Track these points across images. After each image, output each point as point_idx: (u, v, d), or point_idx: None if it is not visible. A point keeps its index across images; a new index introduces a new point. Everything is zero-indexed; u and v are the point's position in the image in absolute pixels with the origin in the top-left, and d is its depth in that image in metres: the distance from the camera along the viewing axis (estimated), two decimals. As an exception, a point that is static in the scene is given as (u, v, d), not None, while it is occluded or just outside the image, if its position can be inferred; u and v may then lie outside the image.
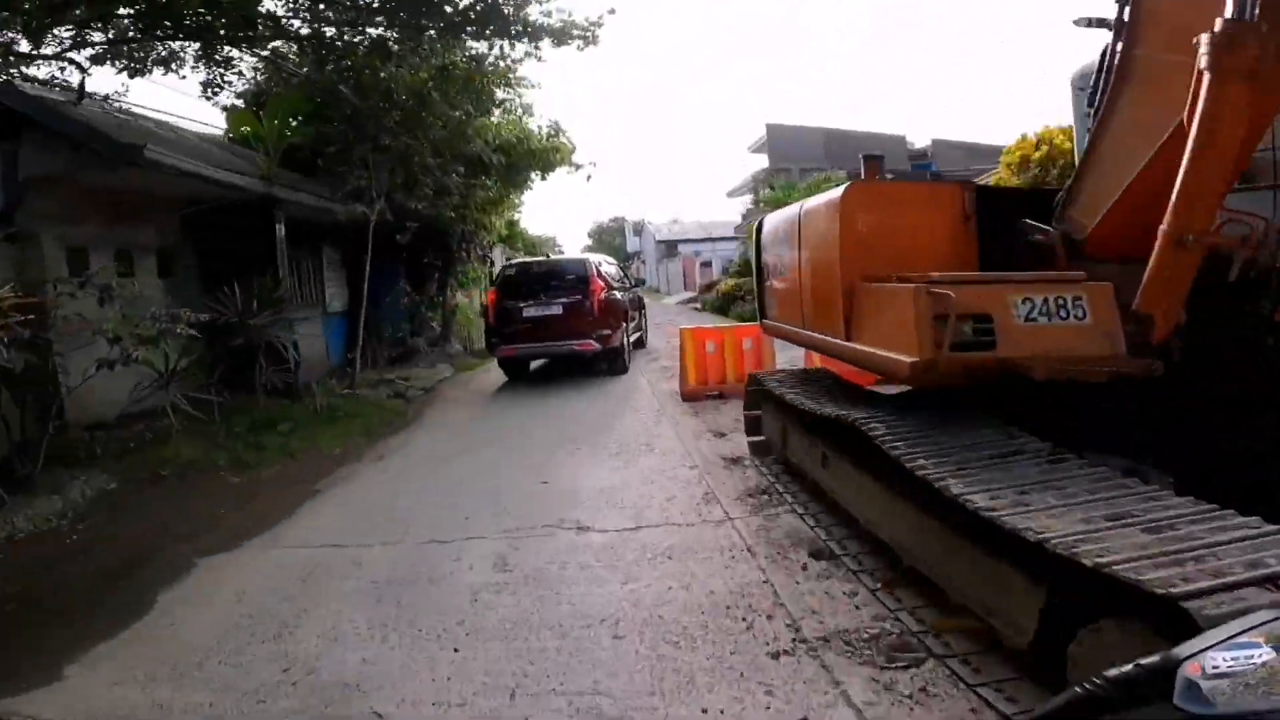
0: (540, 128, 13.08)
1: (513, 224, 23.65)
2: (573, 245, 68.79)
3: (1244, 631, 0.71)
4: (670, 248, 42.65)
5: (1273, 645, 0.66)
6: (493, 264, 31.29)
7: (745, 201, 33.88)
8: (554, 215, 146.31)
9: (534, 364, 10.73)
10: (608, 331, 9.45)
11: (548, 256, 14.81)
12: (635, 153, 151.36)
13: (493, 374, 11.33)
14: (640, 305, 13.03)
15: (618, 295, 10.39)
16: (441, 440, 6.82)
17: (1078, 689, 0.67)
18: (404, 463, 6.06)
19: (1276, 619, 0.73)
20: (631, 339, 10.80)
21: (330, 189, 8.79)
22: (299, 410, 7.26)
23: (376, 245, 9.51)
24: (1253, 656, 0.66)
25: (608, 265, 11.64)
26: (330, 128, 9.15)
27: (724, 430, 6.24)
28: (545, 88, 44.64)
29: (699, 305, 23.41)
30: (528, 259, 13.64)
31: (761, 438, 5.27)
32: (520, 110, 12.80)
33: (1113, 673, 0.65)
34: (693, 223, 47.10)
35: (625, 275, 13.68)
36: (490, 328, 9.83)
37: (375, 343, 9.99)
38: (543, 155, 12.97)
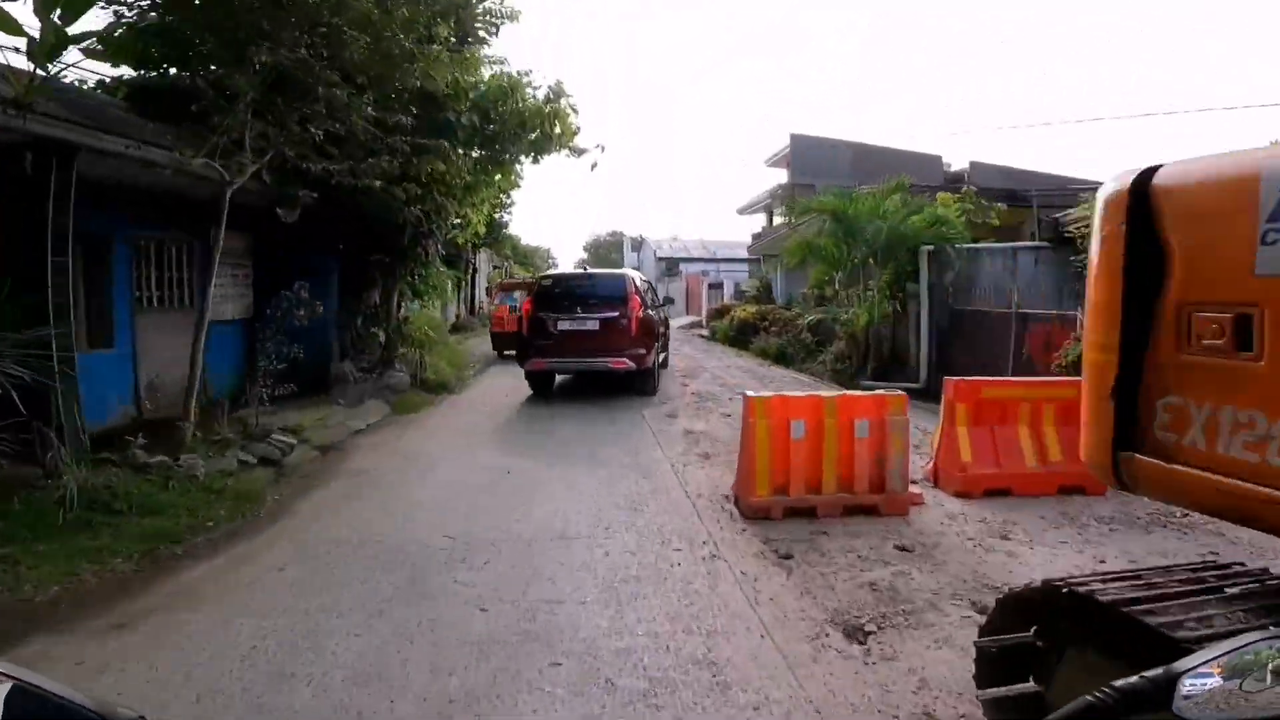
0: (533, 87, 9.73)
1: (497, 223, 20.43)
2: (567, 259, 65.83)
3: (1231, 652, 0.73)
4: (671, 266, 39.54)
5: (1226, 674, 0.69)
6: (474, 269, 28.05)
7: (758, 221, 30.90)
8: (548, 226, 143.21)
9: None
10: (643, 350, 9.10)
11: (585, 269, 13.85)
12: (633, 162, 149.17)
13: (448, 417, 8.05)
14: (665, 324, 12.13)
15: (652, 314, 10.00)
16: (268, 612, 3.19)
17: (1087, 698, 0.67)
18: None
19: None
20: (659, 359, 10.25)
21: (195, 141, 5.48)
22: (36, 504, 3.87)
23: (299, 234, 7.39)
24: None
25: (641, 281, 10.84)
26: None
27: (864, 621, 3.00)
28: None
29: (708, 332, 20.25)
30: (566, 271, 13.32)
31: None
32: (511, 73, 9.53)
33: (1120, 683, 0.67)
34: (695, 240, 44.11)
35: (654, 292, 12.53)
36: (522, 339, 9.49)
37: (265, 368, 6.59)
38: (536, 121, 9.59)
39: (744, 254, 29.36)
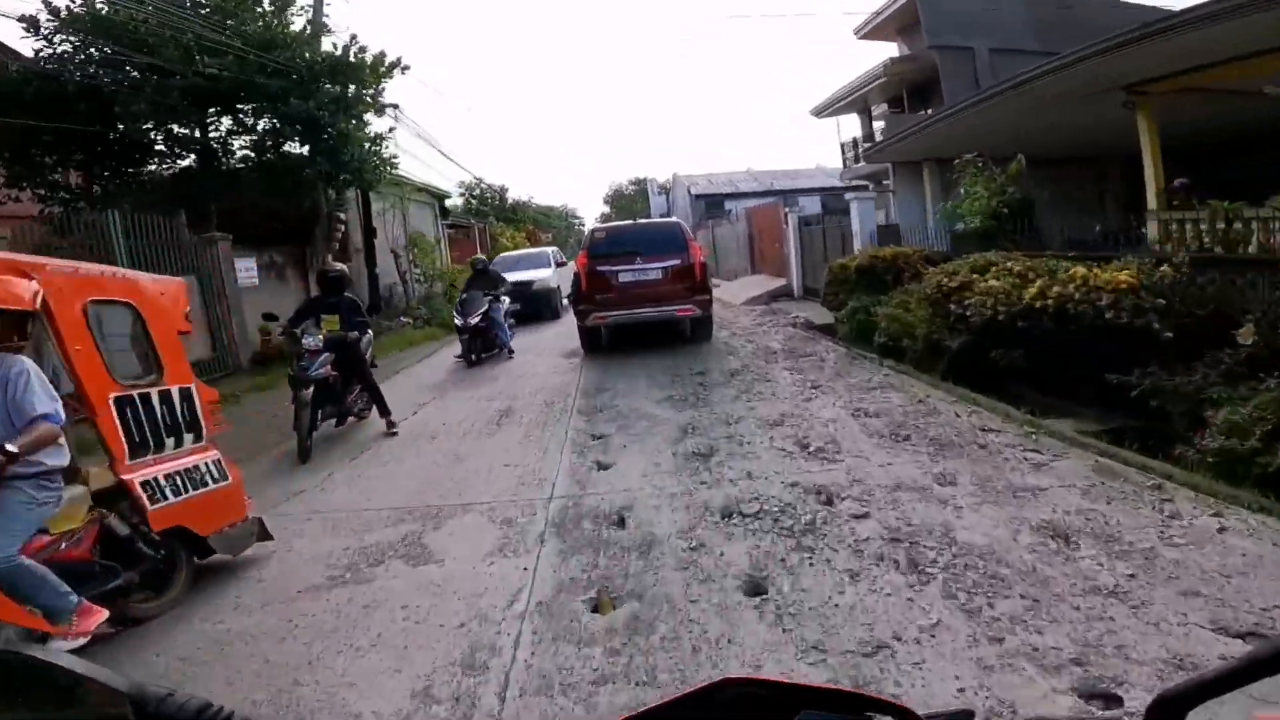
0: None
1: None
2: (589, 214, 59.43)
3: None
4: (713, 205, 32.40)
5: None
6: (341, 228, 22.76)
7: (849, 124, 23.55)
8: (565, 185, 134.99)
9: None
10: (706, 296, 9.55)
11: (635, 221, 12.78)
12: (653, 100, 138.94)
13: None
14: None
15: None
16: None
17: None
18: None
19: None
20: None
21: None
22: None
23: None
24: None
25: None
26: None
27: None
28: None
29: (796, 323, 13.59)
30: (617, 223, 13.17)
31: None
32: None
33: None
34: (741, 172, 36.66)
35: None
36: (581, 294, 9.57)
37: None
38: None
39: (824, 181, 22.01)
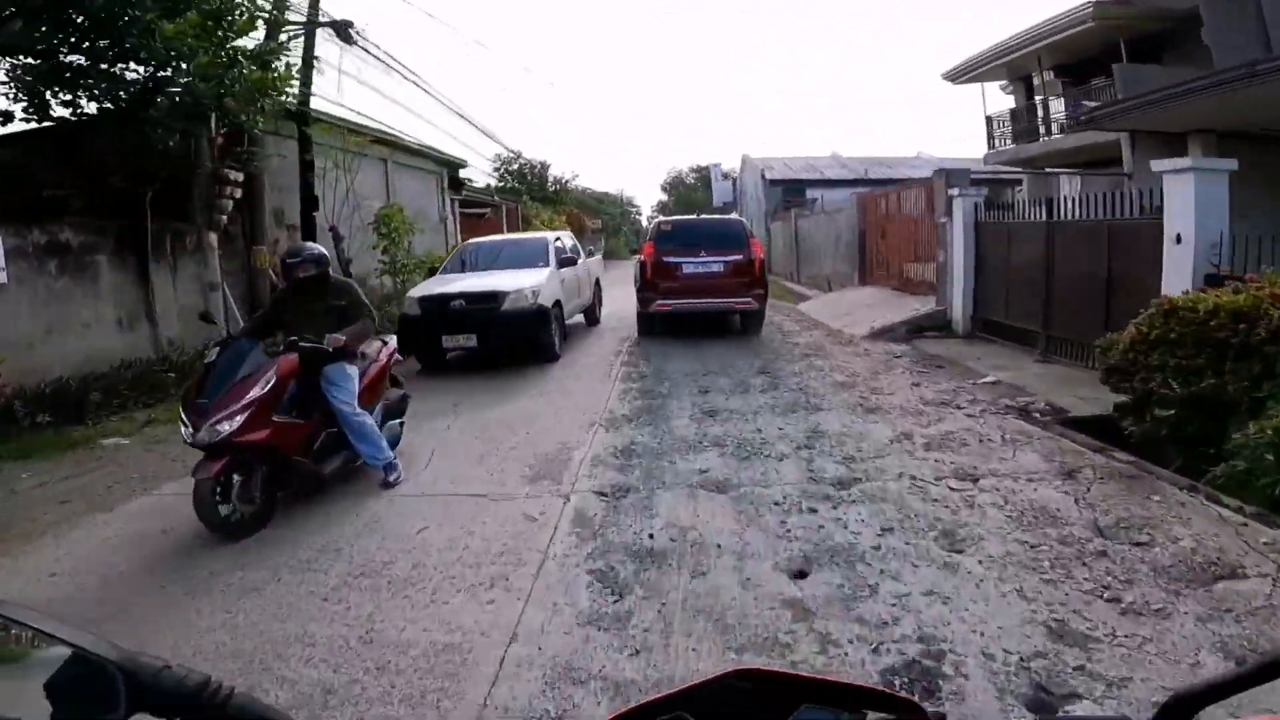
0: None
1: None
2: (646, 201, 54.55)
3: None
4: (791, 193, 26.57)
5: None
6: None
7: (995, 92, 17.91)
8: (623, 171, 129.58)
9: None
10: (763, 291, 9.91)
11: (699, 215, 12.86)
12: (722, 82, 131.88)
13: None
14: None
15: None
16: None
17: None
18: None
19: None
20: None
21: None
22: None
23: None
24: None
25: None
26: None
27: None
28: None
29: (1032, 413, 7.79)
30: (682, 217, 12.43)
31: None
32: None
33: None
34: (826, 157, 30.63)
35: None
36: (646, 282, 9.81)
37: None
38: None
39: (930, 171, 16.11)
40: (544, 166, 32.09)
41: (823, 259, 17.18)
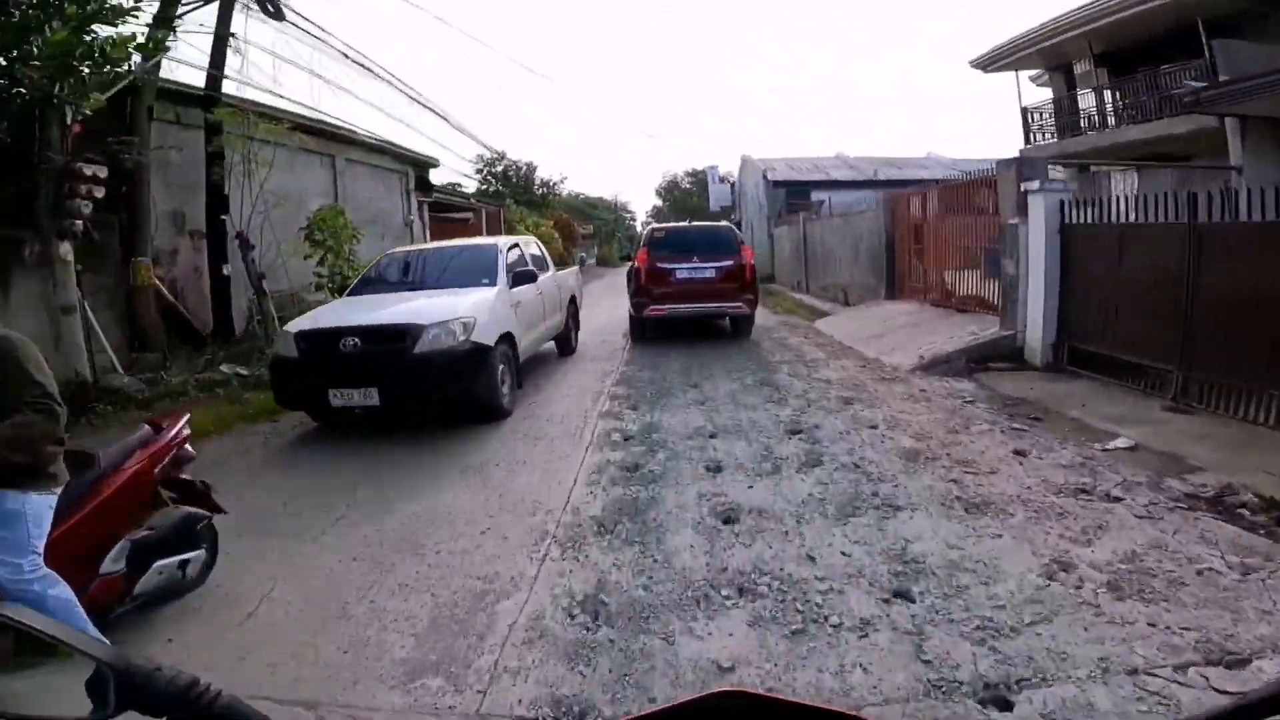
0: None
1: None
2: (641, 206, 53.03)
3: None
4: (796, 195, 24.57)
5: None
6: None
7: (1020, 82, 16.14)
8: (618, 175, 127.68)
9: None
10: (753, 296, 10.09)
11: (691, 223, 13.54)
12: (719, 83, 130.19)
13: None
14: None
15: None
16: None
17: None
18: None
19: None
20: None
21: None
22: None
23: None
24: None
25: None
26: None
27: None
28: None
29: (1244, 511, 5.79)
30: (675, 224, 13.32)
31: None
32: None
33: None
34: (830, 158, 28.67)
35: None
36: (641, 288, 9.90)
37: None
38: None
39: (943, 172, 14.23)
40: (530, 168, 30.14)
41: (838, 268, 15.14)
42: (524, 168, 29.51)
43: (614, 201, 68.90)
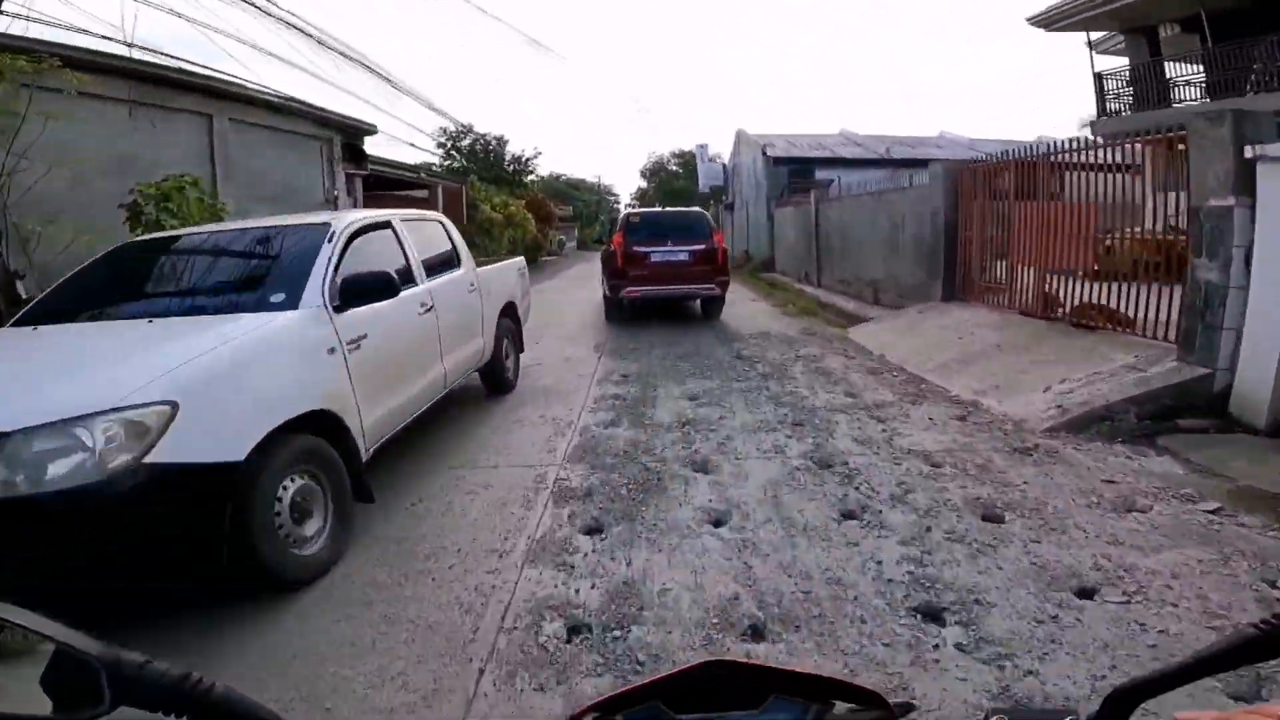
0: None
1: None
2: (625, 188, 50.50)
3: None
4: (798, 175, 21.62)
5: None
6: None
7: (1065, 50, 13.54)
8: (603, 157, 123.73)
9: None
10: (725, 278, 10.39)
11: (664, 208, 14.46)
12: (709, 58, 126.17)
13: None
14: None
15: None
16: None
17: (1251, 628, 0.56)
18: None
19: None
20: None
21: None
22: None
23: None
24: None
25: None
26: None
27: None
28: None
29: None
30: (649, 209, 13.56)
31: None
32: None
33: None
34: (834, 135, 25.73)
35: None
36: (617, 270, 10.18)
37: None
38: None
39: (962, 152, 11.51)
40: (500, 142, 26.86)
41: (865, 258, 12.26)
42: (493, 142, 26.30)
43: (597, 183, 65.68)
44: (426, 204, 18.56)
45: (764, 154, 22.74)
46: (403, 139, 25.88)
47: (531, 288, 7.63)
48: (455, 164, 24.37)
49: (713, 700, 0.65)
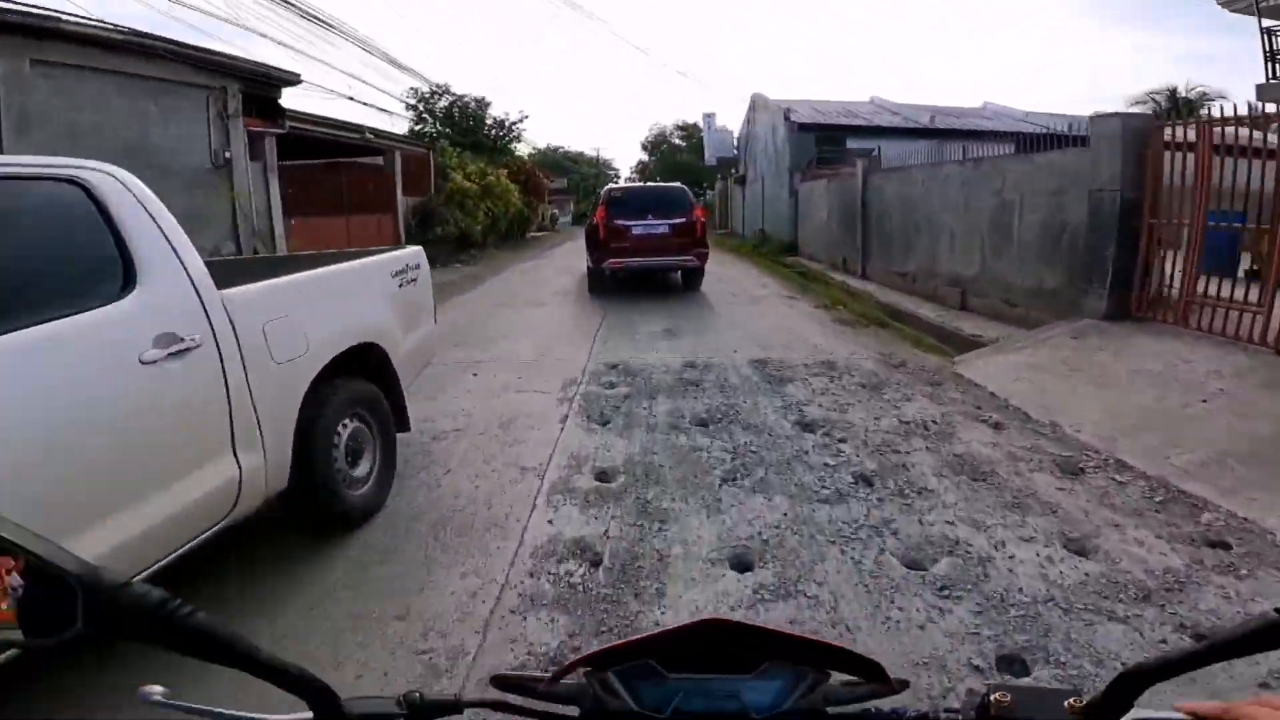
0: None
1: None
2: (625, 163, 48.79)
3: None
4: (827, 143, 18.22)
5: None
6: None
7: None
8: (603, 130, 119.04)
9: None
10: (705, 250, 10.70)
11: (645, 184, 14.51)
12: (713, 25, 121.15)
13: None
14: None
15: None
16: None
17: (1274, 611, 0.51)
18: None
19: None
20: None
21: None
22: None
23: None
24: None
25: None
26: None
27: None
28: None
29: None
30: (630, 184, 13.50)
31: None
32: None
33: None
34: (864, 102, 22.28)
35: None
36: (600, 243, 10.44)
37: None
38: None
39: (1013, 125, 8.07)
40: (481, 104, 23.33)
41: (947, 248, 9.01)
42: (472, 104, 22.77)
43: (596, 156, 62.04)
44: (380, 173, 15.31)
45: (786, 119, 19.32)
46: (376, 105, 22.42)
47: (506, 270, 4.48)
48: (427, 128, 21.00)
49: (707, 660, 0.62)
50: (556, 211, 36.38)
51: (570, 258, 16.86)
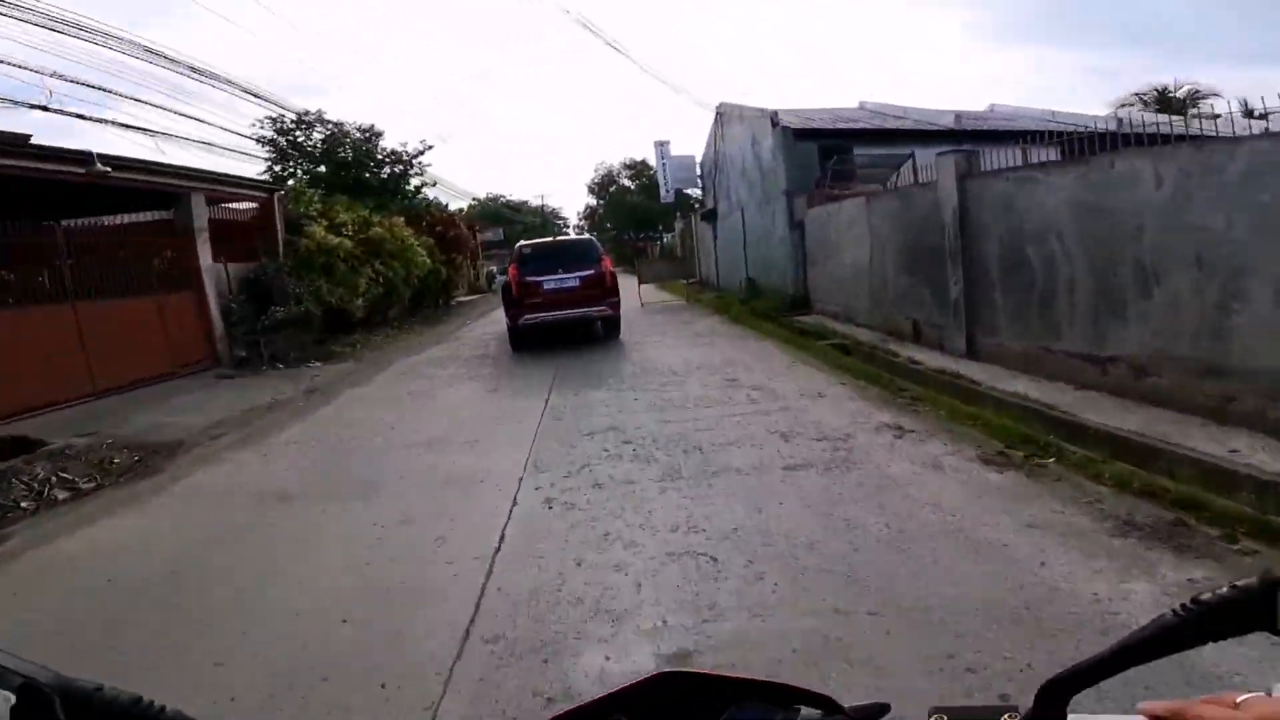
0: None
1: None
2: (572, 206, 45.88)
3: None
4: (830, 156, 13.40)
5: None
6: None
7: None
8: (547, 176, 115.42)
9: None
10: (617, 299, 10.98)
11: (554, 239, 14.66)
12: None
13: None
14: None
15: None
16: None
17: (1169, 613, 0.54)
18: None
19: None
20: None
21: None
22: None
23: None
24: None
25: None
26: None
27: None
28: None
29: None
30: (540, 240, 13.47)
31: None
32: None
33: (1207, 596, 0.53)
34: (853, 108, 17.67)
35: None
36: (513, 299, 10.60)
37: None
38: None
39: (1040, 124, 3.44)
40: (370, 136, 17.93)
41: (1192, 308, 3.97)
42: (356, 134, 17.29)
43: (540, 205, 57.29)
44: (170, 229, 9.82)
45: (775, 127, 14.47)
46: (235, 150, 16.99)
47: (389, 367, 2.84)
48: (290, 169, 15.72)
49: (672, 712, 0.64)
50: (494, 269, 31.06)
51: (501, 328, 11.64)
